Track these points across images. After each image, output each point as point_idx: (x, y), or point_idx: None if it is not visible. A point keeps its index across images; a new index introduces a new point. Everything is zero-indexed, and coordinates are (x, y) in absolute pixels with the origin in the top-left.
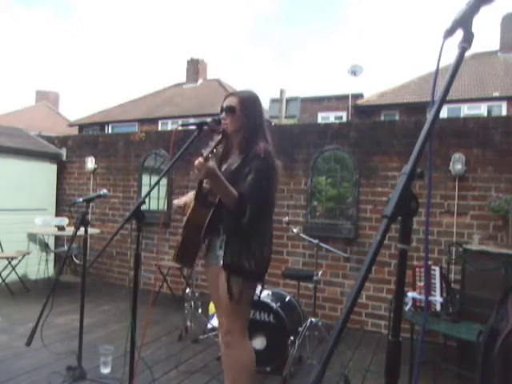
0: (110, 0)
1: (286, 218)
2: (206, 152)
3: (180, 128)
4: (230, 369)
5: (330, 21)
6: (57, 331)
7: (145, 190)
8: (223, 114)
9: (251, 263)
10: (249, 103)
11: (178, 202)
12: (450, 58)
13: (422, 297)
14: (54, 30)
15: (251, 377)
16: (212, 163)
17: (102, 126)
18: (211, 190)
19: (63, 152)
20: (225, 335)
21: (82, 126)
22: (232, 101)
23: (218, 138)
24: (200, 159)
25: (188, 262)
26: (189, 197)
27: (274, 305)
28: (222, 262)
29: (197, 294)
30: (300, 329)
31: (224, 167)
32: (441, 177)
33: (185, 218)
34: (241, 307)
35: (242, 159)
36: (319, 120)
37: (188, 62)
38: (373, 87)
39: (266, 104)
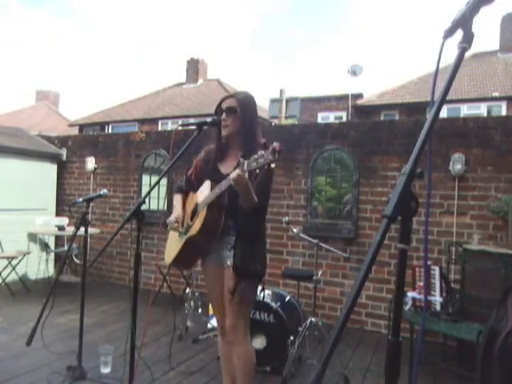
0: (111, 0)
1: (286, 218)
2: (246, 166)
3: (180, 128)
4: (234, 366)
5: (330, 21)
6: (57, 331)
7: (145, 189)
8: (224, 115)
9: (258, 265)
10: (247, 103)
11: (172, 219)
12: (449, 58)
13: (422, 297)
14: (55, 30)
15: (252, 373)
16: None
17: (102, 126)
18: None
19: (63, 152)
20: (229, 332)
21: (82, 126)
22: (232, 102)
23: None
24: (238, 171)
25: (188, 264)
26: (178, 212)
27: (273, 305)
28: (229, 263)
29: (197, 294)
30: (300, 329)
31: (227, 167)
32: (441, 177)
33: (190, 224)
34: (245, 307)
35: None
36: (319, 120)
37: (188, 62)
38: (373, 87)
39: (265, 104)
